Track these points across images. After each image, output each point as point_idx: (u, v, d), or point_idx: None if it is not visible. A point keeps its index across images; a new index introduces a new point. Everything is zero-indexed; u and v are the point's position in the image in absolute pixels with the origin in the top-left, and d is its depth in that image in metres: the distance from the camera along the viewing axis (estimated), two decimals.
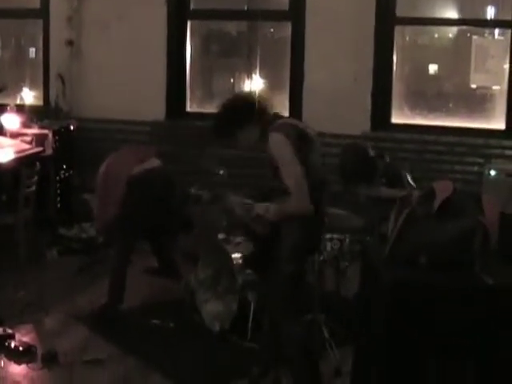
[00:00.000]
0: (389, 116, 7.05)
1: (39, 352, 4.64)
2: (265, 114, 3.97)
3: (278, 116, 4.04)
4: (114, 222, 5.44)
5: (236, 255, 5.04)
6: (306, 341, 3.96)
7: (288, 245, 3.86)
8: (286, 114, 7.20)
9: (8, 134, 7.05)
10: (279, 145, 3.79)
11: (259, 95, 4.11)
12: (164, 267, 6.03)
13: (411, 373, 3.39)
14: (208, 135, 4.24)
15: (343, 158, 5.11)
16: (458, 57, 7.08)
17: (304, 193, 3.76)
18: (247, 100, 4.04)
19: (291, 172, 3.77)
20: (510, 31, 6.73)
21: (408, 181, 5.52)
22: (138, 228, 5.56)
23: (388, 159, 5.56)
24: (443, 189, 3.60)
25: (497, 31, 6.89)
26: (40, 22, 7.85)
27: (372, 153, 5.30)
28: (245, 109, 3.96)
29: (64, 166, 7.32)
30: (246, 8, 7.57)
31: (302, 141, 3.84)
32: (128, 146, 6.21)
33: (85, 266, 6.23)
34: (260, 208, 3.92)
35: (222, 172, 5.93)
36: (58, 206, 7.23)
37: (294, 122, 4.05)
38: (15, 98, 7.87)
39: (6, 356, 4.62)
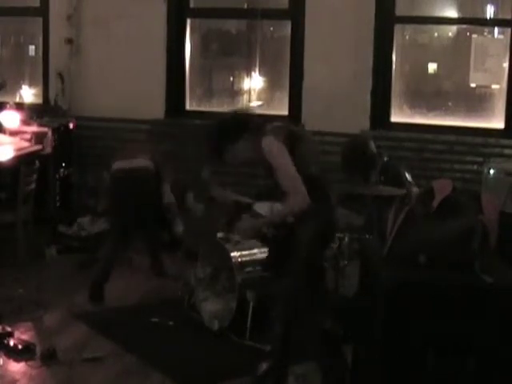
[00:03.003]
0: (388, 115, 7.05)
1: (38, 350, 4.63)
2: (253, 128, 4.09)
3: (263, 125, 4.14)
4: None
5: (235, 253, 5.04)
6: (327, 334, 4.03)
7: (304, 241, 3.91)
8: (286, 112, 7.21)
9: (7, 132, 7.04)
10: (271, 147, 3.94)
11: (244, 111, 4.37)
12: (155, 265, 6.08)
13: (411, 372, 3.40)
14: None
15: (344, 148, 5.29)
16: (457, 56, 7.07)
17: (300, 191, 3.86)
18: (234, 117, 4.19)
19: (285, 172, 3.90)
20: (509, 30, 6.71)
21: (407, 179, 5.53)
22: (124, 221, 5.65)
23: (386, 158, 5.57)
24: (442, 188, 3.60)
25: (496, 30, 6.88)
26: (40, 20, 7.83)
27: (373, 147, 5.34)
28: (233, 125, 4.09)
29: (63, 164, 7.31)
30: (245, 6, 7.56)
31: (290, 139, 3.98)
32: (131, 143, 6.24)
33: (84, 263, 6.22)
34: (263, 222, 4.13)
35: (204, 173, 6.02)
36: (58, 204, 7.22)
37: (280, 124, 4.17)
38: (15, 96, 7.88)
39: (4, 354, 4.61)
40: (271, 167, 3.95)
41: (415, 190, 5.09)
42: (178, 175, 5.92)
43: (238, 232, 4.37)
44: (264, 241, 4.53)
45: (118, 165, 5.73)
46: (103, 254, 5.72)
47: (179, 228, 6.04)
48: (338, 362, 4.00)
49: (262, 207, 4.50)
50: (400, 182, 5.44)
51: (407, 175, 5.60)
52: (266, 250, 4.62)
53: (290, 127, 4.19)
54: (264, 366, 4.17)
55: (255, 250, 5.05)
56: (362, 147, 5.33)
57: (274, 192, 4.12)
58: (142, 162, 5.74)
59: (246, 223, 4.25)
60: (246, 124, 4.09)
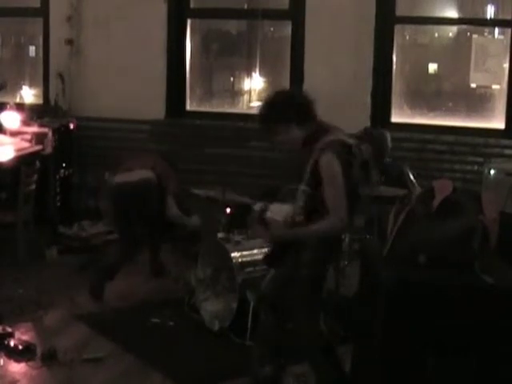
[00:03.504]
0: (389, 115, 7.05)
1: (38, 350, 4.63)
2: (311, 120, 3.89)
3: (323, 126, 3.93)
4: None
5: (236, 254, 5.04)
6: (324, 336, 4.00)
7: (308, 250, 3.85)
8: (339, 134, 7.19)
9: (8, 133, 7.04)
10: (329, 165, 3.72)
11: (308, 97, 3.96)
12: (154, 266, 6.09)
13: (411, 372, 3.39)
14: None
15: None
16: (457, 56, 7.07)
17: (342, 215, 3.71)
18: (295, 99, 3.93)
19: (335, 194, 3.71)
20: (509, 30, 6.72)
21: (410, 179, 5.53)
22: (130, 233, 5.66)
23: (388, 158, 5.58)
24: (443, 188, 3.60)
25: (497, 30, 6.89)
26: (40, 21, 7.84)
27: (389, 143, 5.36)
28: (290, 107, 3.85)
29: (64, 165, 7.31)
30: (246, 7, 7.57)
31: (348, 159, 3.80)
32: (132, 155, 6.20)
33: (85, 264, 6.23)
34: (294, 234, 3.87)
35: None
36: (58, 204, 7.23)
37: (342, 137, 3.90)
38: (15, 97, 7.89)
39: (5, 354, 4.60)
40: (320, 178, 3.75)
41: (418, 190, 5.09)
42: (179, 187, 5.90)
43: (268, 235, 4.02)
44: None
45: (118, 178, 5.69)
46: (111, 256, 5.73)
47: (194, 221, 5.99)
48: (331, 364, 3.97)
49: (277, 211, 4.30)
50: (403, 182, 5.45)
51: (411, 176, 5.61)
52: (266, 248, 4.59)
53: (349, 142, 3.88)
54: (267, 370, 4.15)
55: (255, 251, 5.05)
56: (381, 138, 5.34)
57: (280, 193, 4.02)
58: (143, 173, 5.69)
59: (278, 231, 3.92)
60: (307, 114, 3.86)
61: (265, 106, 3.94)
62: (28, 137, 6.99)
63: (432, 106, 7.10)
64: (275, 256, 3.99)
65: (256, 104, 7.39)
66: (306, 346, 3.97)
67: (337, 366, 4.00)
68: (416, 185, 5.50)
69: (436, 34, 7.19)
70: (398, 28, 6.99)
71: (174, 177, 5.83)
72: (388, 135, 5.69)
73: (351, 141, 3.89)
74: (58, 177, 7.23)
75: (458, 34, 7.09)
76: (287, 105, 3.86)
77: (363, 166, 3.89)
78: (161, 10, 7.41)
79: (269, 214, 3.96)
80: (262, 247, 4.79)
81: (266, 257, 4.07)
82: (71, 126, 7.41)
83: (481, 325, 3.29)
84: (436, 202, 3.51)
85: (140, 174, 5.69)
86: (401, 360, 3.37)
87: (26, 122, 7.20)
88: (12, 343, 4.68)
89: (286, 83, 7.28)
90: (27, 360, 4.54)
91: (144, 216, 5.70)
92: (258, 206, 4.13)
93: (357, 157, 3.86)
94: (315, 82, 6.98)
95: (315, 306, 3.96)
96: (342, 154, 3.77)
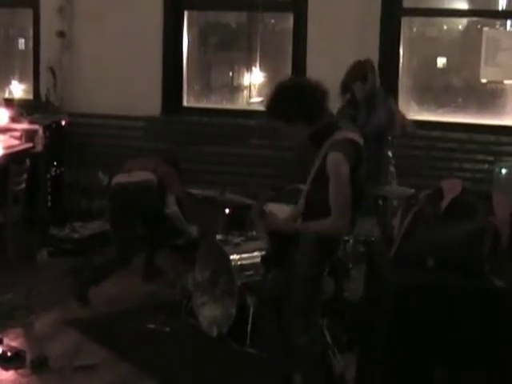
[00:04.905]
0: None
1: (28, 357, 4.63)
2: (321, 115, 3.87)
3: (334, 121, 3.95)
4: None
5: (235, 256, 5.05)
6: (320, 346, 4.00)
7: (306, 250, 3.87)
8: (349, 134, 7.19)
9: None
10: (337, 165, 3.74)
11: (320, 89, 3.90)
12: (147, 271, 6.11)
13: (417, 381, 3.40)
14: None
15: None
16: (467, 49, 7.09)
17: (346, 216, 3.75)
18: (305, 91, 3.86)
19: (340, 194, 3.74)
20: None
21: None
22: (125, 236, 5.68)
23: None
24: (452, 188, 3.61)
25: (509, 22, 6.89)
26: (30, 12, 7.85)
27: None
28: (300, 101, 3.81)
29: (55, 163, 7.32)
30: None
31: (357, 159, 3.82)
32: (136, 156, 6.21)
33: (77, 267, 6.23)
34: (293, 228, 3.94)
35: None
36: (49, 204, 7.23)
37: (351, 135, 3.90)
38: (4, 92, 7.90)
39: None
40: (326, 177, 3.77)
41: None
42: (182, 189, 5.92)
43: (265, 225, 4.03)
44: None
45: (117, 179, 5.73)
46: (102, 260, 5.76)
47: (193, 231, 6.07)
48: (323, 374, 3.99)
49: (277, 209, 4.35)
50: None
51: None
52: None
53: (358, 141, 3.89)
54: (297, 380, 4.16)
55: (256, 253, 5.06)
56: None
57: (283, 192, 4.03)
58: (142, 175, 5.72)
59: (278, 223, 3.96)
60: (317, 109, 3.83)
61: (272, 99, 3.88)
62: (17, 134, 6.99)
63: (440, 102, 7.11)
64: (273, 256, 4.01)
65: (256, 100, 7.40)
66: (301, 349, 3.97)
67: (329, 377, 4.01)
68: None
69: (445, 27, 7.20)
70: (404, 20, 7.00)
71: (178, 182, 5.86)
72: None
73: (360, 139, 3.91)
74: (48, 176, 7.24)
75: (468, 26, 7.10)
76: (296, 99, 3.81)
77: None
78: (156, 1, 7.42)
79: (269, 207, 4.01)
80: (262, 249, 4.81)
81: (264, 257, 4.11)
82: (63, 123, 7.42)
83: (492, 331, 3.29)
84: (445, 203, 3.52)
85: (140, 175, 5.71)
86: (407, 368, 3.37)
87: (15, 119, 7.20)
88: (0, 350, 4.68)
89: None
90: (16, 368, 4.55)
91: (142, 219, 5.72)
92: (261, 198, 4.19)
93: (364, 156, 3.88)
94: (318, 77, 6.90)
95: (313, 308, 3.97)
96: (352, 153, 3.78)
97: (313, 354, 3.93)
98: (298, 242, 3.89)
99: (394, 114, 5.64)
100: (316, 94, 3.88)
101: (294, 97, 3.82)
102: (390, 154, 5.79)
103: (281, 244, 3.94)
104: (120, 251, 5.64)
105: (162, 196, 5.77)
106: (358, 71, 5.58)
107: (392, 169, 5.78)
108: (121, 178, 5.70)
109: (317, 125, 3.85)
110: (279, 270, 4.03)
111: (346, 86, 5.54)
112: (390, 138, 5.76)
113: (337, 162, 3.74)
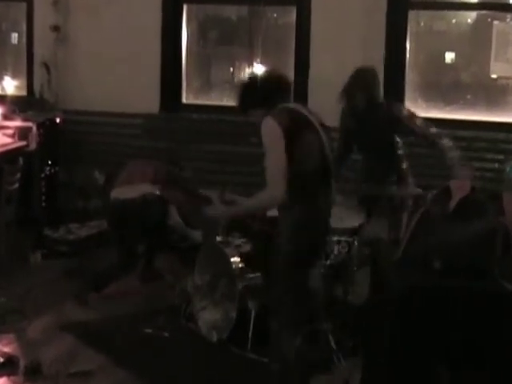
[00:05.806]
0: None
1: (21, 363, 4.63)
2: (275, 105, 4.09)
3: (276, 102, 4.13)
4: None
5: (235, 259, 5.05)
6: (305, 354, 4.01)
7: (287, 250, 3.89)
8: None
9: None
10: (268, 131, 3.94)
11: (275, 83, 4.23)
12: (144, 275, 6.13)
13: (422, 382, 3.41)
14: None
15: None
16: (477, 44, 7.08)
17: (278, 184, 3.87)
18: (258, 85, 4.22)
19: (270, 160, 3.92)
20: None
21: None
22: (128, 247, 5.74)
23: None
24: (460, 187, 3.61)
25: None
26: (23, 5, 7.85)
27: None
28: (253, 94, 4.16)
29: (49, 162, 7.32)
30: None
31: (297, 127, 3.95)
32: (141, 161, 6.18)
33: (72, 270, 6.24)
34: (238, 207, 4.31)
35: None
36: (43, 205, 7.24)
37: (297, 107, 4.15)
38: None
39: None
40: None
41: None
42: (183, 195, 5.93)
43: (205, 216, 4.40)
44: (249, 234, 4.56)
45: (116, 193, 5.70)
46: (104, 267, 5.84)
47: (197, 237, 6.12)
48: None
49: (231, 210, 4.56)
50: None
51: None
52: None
53: (301, 111, 4.12)
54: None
55: None
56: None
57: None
58: (142, 188, 5.69)
59: (214, 210, 4.40)
60: (270, 96, 4.12)
61: (237, 92, 4.29)
62: (10, 132, 6.98)
63: (449, 99, 7.10)
64: (256, 257, 4.10)
65: None
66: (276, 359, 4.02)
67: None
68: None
69: (453, 21, 7.19)
70: (412, 14, 6.99)
71: (179, 190, 5.85)
72: None
73: (307, 111, 4.11)
74: (43, 175, 7.24)
75: (478, 19, 7.09)
76: (250, 92, 4.19)
77: None
78: None
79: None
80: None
81: (247, 260, 4.21)
82: (57, 120, 7.42)
83: (499, 335, 3.29)
84: (453, 203, 3.53)
85: (140, 189, 5.67)
86: (413, 372, 3.37)
87: (8, 116, 7.20)
88: None
89: (290, 73, 7.28)
90: (9, 374, 4.54)
91: (143, 232, 5.73)
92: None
93: (313, 129, 4.02)
94: (322, 72, 6.99)
95: (296, 313, 3.99)
96: (287, 121, 3.92)
97: (284, 362, 3.97)
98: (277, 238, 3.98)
99: (397, 122, 5.57)
100: (266, 84, 4.19)
101: (246, 89, 4.23)
102: (400, 152, 5.76)
103: (260, 244, 4.03)
104: (122, 259, 5.69)
105: (164, 207, 5.81)
106: (360, 80, 5.55)
107: (404, 165, 5.74)
108: (120, 194, 5.67)
109: (273, 111, 4.03)
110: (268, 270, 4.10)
111: (347, 95, 5.50)
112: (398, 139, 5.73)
113: (267, 128, 3.93)
